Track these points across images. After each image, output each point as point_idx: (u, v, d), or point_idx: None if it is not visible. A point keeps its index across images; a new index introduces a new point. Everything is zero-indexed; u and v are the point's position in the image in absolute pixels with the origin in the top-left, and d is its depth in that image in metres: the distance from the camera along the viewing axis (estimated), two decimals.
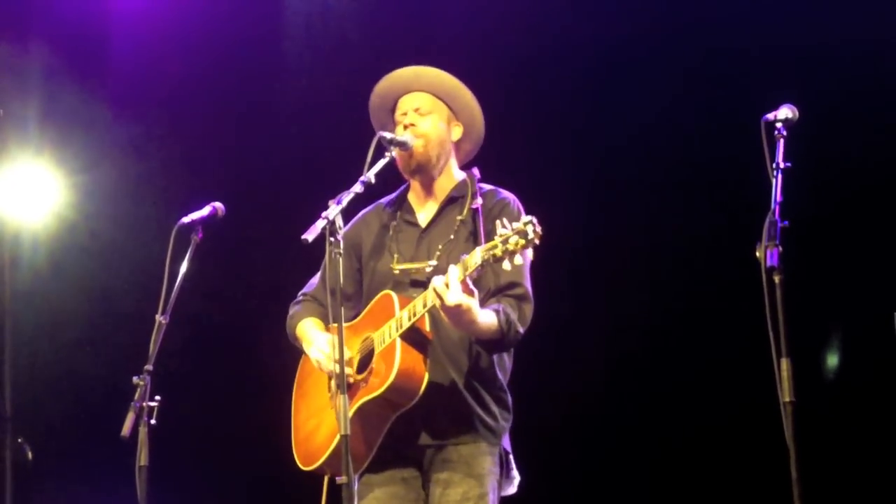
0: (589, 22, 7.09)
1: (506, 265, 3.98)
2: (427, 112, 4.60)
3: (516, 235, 3.95)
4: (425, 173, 4.60)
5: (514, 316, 4.30)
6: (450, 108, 4.64)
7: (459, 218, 4.51)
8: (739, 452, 6.64)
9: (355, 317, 4.53)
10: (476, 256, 4.03)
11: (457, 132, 4.66)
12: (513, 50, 7.19)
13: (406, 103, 4.63)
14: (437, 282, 4.08)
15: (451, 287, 4.04)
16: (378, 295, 4.45)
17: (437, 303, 4.07)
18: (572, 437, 7.05)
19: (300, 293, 4.80)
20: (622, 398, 6.99)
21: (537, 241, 3.96)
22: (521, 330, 4.33)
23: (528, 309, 4.38)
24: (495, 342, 4.30)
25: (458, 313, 4.08)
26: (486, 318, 4.21)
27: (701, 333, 6.76)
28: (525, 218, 3.98)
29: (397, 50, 7.28)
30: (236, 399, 7.57)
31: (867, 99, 6.44)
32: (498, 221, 4.00)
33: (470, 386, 4.39)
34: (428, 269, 4.40)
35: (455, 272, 4.06)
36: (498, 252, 3.97)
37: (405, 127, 4.57)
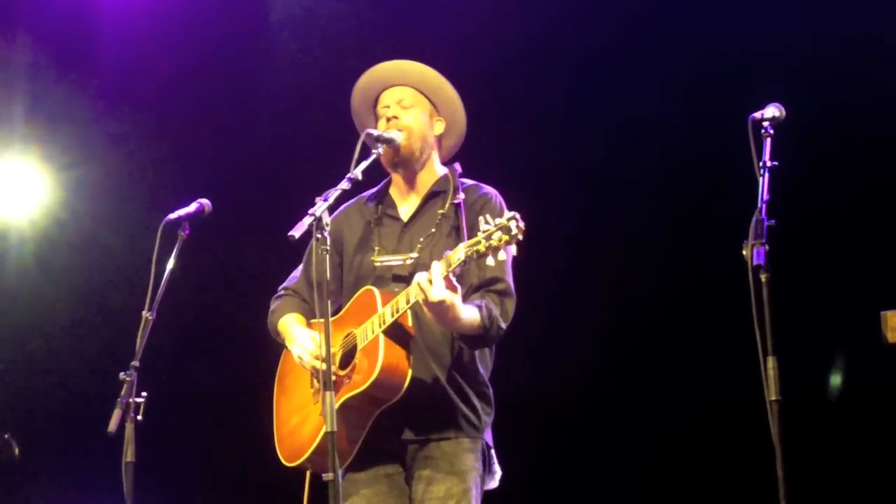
0: (577, 21, 7.10)
1: (489, 261, 3.98)
2: (409, 105, 4.60)
3: (499, 231, 3.94)
4: (408, 167, 4.60)
5: (496, 312, 4.30)
6: (432, 102, 4.65)
7: (441, 212, 4.51)
8: (725, 451, 6.65)
9: (336, 312, 4.51)
10: (459, 252, 4.03)
11: (439, 127, 4.66)
12: (501, 48, 7.19)
13: (388, 97, 4.63)
14: (420, 278, 4.08)
15: (434, 283, 4.04)
16: (360, 290, 4.44)
17: (421, 298, 4.06)
18: (554, 431, 7.06)
19: (281, 287, 4.80)
20: (607, 395, 6.99)
21: (520, 237, 3.95)
22: (504, 325, 4.33)
23: (511, 304, 4.38)
24: (478, 338, 4.29)
25: (441, 309, 4.07)
26: (469, 313, 4.20)
27: (687, 331, 6.77)
28: (508, 214, 3.97)
29: (384, 46, 7.25)
30: (223, 395, 7.57)
31: (854, 97, 6.45)
32: (481, 217, 4.00)
33: (452, 381, 4.38)
34: (408, 262, 4.40)
35: (438, 268, 4.06)
36: (481, 248, 3.96)
37: (387, 120, 4.57)
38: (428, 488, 4.33)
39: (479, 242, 3.97)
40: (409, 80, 4.63)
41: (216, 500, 7.85)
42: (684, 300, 6.82)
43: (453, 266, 4.04)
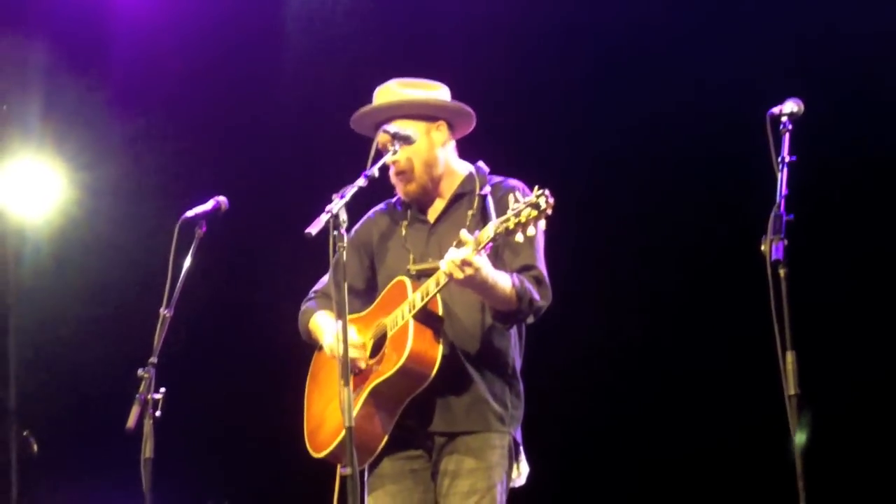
0: (594, 12, 7.08)
1: (518, 237, 3.96)
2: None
3: (528, 207, 3.93)
4: (427, 193, 4.60)
5: (528, 284, 4.27)
6: (423, 118, 4.59)
7: (470, 212, 4.49)
8: (744, 444, 6.65)
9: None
10: (489, 230, 4.01)
11: (440, 134, 4.59)
12: (519, 43, 7.18)
13: (382, 138, 4.52)
14: (448, 255, 4.07)
15: (461, 250, 4.03)
16: (391, 282, 4.45)
17: (452, 268, 4.02)
18: (580, 430, 7.05)
19: (311, 291, 4.79)
20: (629, 391, 7.00)
21: (549, 212, 3.93)
22: (538, 300, 4.29)
23: (546, 288, 4.34)
24: (511, 312, 4.27)
25: (471, 271, 4.03)
26: (501, 277, 4.17)
27: (707, 326, 6.76)
28: (538, 191, 3.96)
29: (397, 44, 7.30)
30: (240, 391, 7.58)
31: (873, 92, 6.44)
32: (510, 196, 4.00)
33: (481, 373, 4.38)
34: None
35: (468, 247, 4.04)
36: (510, 224, 3.95)
37: (392, 163, 4.50)
38: (452, 483, 4.33)
39: (508, 220, 3.96)
40: (391, 114, 4.57)
41: (235, 496, 7.86)
42: (704, 295, 6.81)
43: (483, 244, 4.02)
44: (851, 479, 6.37)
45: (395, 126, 4.51)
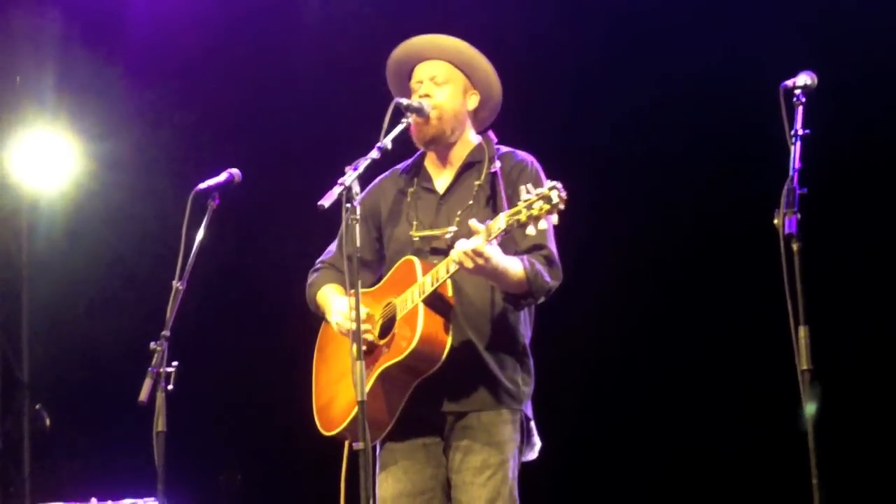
0: None
1: (530, 230, 3.94)
2: (442, 81, 4.52)
3: (541, 201, 3.90)
4: (439, 144, 4.55)
5: (539, 266, 4.25)
6: (466, 76, 4.57)
7: (477, 183, 4.46)
8: (756, 419, 6.65)
9: (376, 283, 4.52)
10: (500, 221, 3.99)
11: (473, 101, 4.58)
12: (536, 17, 7.15)
13: (421, 72, 4.56)
14: (460, 245, 4.05)
15: (473, 240, 4.02)
16: (400, 260, 4.42)
17: (462, 258, 4.02)
18: (592, 403, 7.06)
19: (318, 261, 4.76)
20: (641, 364, 7.00)
21: (562, 207, 3.90)
22: (549, 281, 4.27)
23: (556, 268, 4.32)
24: (522, 295, 4.26)
25: (480, 261, 4.02)
26: (513, 263, 4.17)
27: (719, 300, 6.75)
28: (549, 183, 3.92)
29: (414, 16, 7.26)
30: (252, 364, 7.60)
31: (889, 66, 6.40)
32: (522, 187, 3.95)
33: (492, 352, 4.36)
34: (448, 236, 4.36)
35: (479, 237, 4.03)
36: (522, 217, 3.92)
37: (420, 97, 4.52)
38: (465, 458, 4.32)
39: (519, 212, 3.93)
40: (442, 54, 4.55)
41: (248, 469, 7.89)
42: (716, 269, 6.80)
43: (493, 235, 4.01)
44: (864, 455, 6.37)
45: (430, 68, 4.51)
